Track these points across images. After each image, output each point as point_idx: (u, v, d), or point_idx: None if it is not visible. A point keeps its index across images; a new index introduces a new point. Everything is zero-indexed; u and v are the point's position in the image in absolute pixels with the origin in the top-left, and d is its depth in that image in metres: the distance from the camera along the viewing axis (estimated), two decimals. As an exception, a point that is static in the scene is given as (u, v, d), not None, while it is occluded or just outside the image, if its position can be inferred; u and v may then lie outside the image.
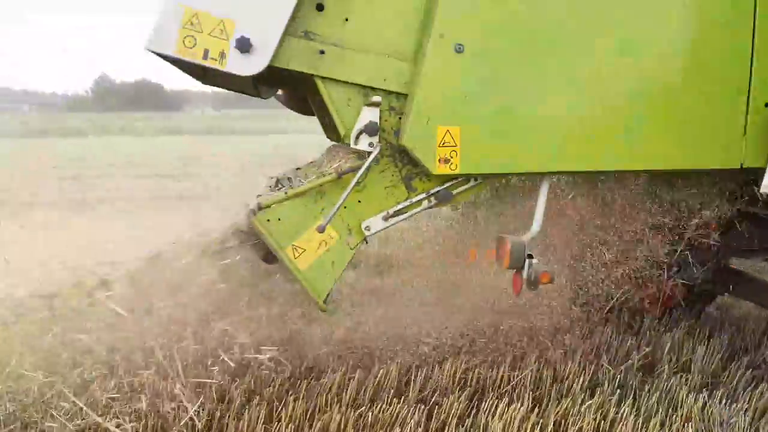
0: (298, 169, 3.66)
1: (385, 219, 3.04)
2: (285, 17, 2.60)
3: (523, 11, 2.83)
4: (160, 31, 2.56)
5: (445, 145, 2.83)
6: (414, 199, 3.07)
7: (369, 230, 3.03)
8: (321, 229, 2.84)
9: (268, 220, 2.81)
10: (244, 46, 2.56)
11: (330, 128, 3.78)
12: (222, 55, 2.58)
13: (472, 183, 3.15)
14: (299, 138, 28.21)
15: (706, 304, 4.87)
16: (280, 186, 3.35)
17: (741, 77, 3.02)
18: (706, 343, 4.23)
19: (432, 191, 3.09)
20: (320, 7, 2.74)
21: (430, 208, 3.14)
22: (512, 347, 4.17)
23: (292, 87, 3.53)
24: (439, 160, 2.84)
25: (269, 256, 3.23)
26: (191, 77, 3.27)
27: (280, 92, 3.91)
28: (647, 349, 4.08)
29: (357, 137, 2.84)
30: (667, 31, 2.98)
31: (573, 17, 2.87)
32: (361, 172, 2.83)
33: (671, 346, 4.15)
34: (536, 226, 3.27)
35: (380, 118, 2.87)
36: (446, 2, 2.73)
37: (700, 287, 4.32)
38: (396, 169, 3.00)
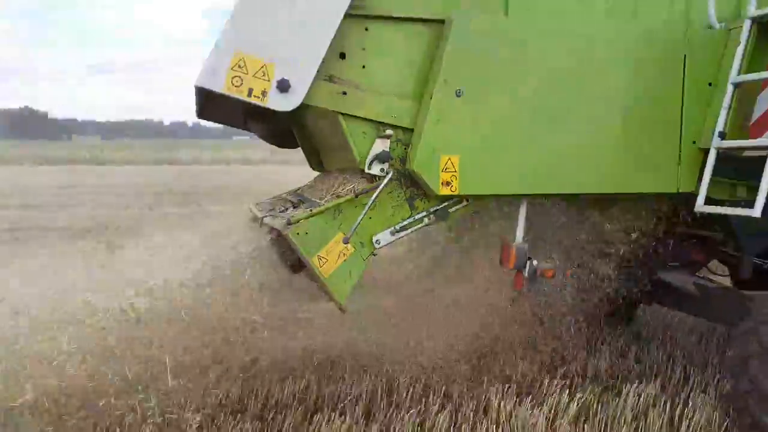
0: (297, 192, 4.17)
1: (392, 233, 3.47)
2: (316, 63, 3.06)
3: (510, 66, 3.43)
4: (210, 71, 2.96)
5: (447, 170, 3.35)
6: (416, 216, 3.52)
7: (379, 243, 3.44)
8: (346, 241, 3.26)
9: (298, 233, 3.16)
10: (284, 86, 3.01)
11: (315, 159, 4.37)
12: (263, 93, 3.02)
13: (464, 203, 3.62)
14: (187, 168, 27.94)
15: (632, 312, 5.71)
16: (280, 208, 3.80)
17: (674, 120, 3.75)
18: (531, 355, 4.68)
19: (431, 210, 3.54)
20: (343, 56, 3.24)
21: (429, 224, 3.60)
22: (354, 363, 4.41)
23: (275, 123, 3.88)
24: (442, 183, 3.34)
25: (295, 265, 3.61)
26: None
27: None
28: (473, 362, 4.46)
29: (370, 164, 3.32)
30: (621, 84, 3.66)
31: (549, 73, 3.51)
32: (378, 191, 3.28)
33: (497, 358, 4.56)
34: (519, 239, 3.80)
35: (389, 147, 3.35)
36: (450, 56, 3.28)
37: (630, 298, 4.85)
38: (401, 190, 3.47)
